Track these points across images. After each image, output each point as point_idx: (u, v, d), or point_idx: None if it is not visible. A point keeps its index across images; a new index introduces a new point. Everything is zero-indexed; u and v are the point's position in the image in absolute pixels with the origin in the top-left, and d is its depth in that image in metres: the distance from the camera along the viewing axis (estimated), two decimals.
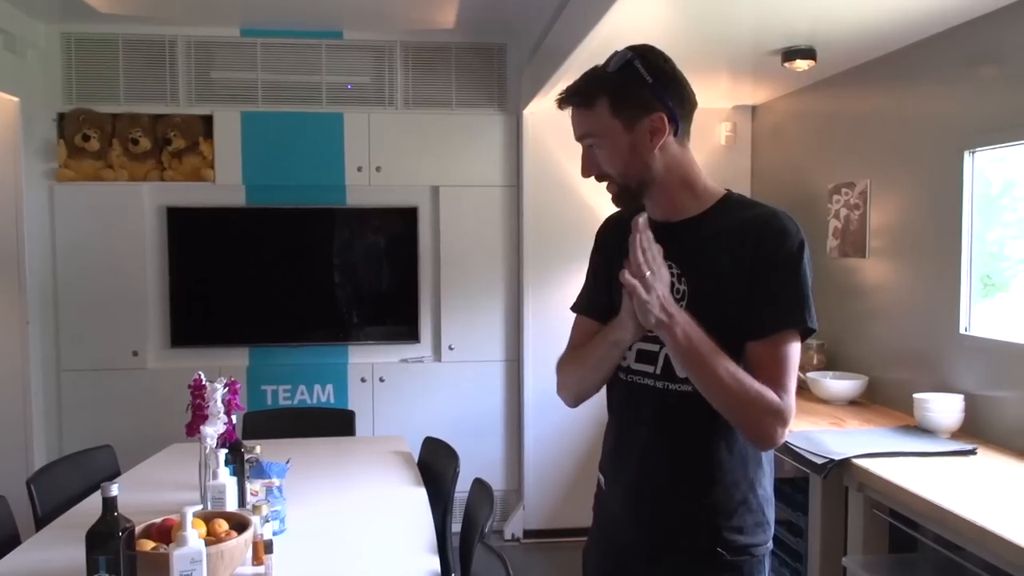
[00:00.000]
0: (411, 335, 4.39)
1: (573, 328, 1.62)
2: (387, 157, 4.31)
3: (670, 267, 1.39)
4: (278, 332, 4.32)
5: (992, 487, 2.25)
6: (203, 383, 2.27)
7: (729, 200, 1.46)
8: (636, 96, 1.39)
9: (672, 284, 1.39)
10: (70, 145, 4.08)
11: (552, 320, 4.26)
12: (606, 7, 2.54)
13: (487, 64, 4.39)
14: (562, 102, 1.45)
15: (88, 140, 4.06)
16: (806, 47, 3.13)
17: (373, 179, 4.31)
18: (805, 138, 3.95)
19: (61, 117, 4.10)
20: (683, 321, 1.31)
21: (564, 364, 1.57)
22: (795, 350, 1.36)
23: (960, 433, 2.71)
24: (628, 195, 1.45)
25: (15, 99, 3.84)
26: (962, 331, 2.81)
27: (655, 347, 1.44)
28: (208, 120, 4.21)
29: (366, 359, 4.38)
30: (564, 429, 4.34)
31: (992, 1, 2.59)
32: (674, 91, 1.41)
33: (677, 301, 1.38)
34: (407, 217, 4.36)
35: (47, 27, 4.06)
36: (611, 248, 1.57)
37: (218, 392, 2.25)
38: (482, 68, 4.38)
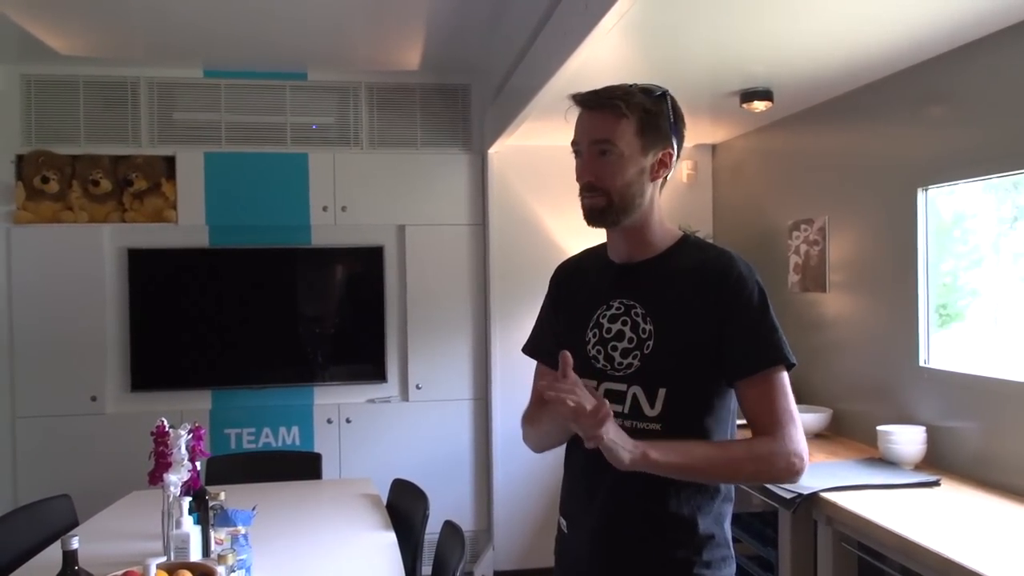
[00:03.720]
0: (378, 375, 4.36)
1: (534, 375, 1.63)
2: (352, 197, 4.31)
3: (632, 307, 1.46)
4: (242, 374, 4.26)
5: (956, 518, 2.29)
6: (166, 429, 2.22)
7: (686, 242, 1.52)
8: (660, 127, 1.44)
9: (637, 324, 1.44)
10: (29, 187, 4.02)
11: (520, 358, 4.19)
12: (571, 49, 2.59)
13: (451, 104, 4.43)
14: (590, 102, 1.45)
15: (47, 182, 4.01)
16: (763, 89, 3.22)
17: (339, 219, 4.30)
18: (765, 176, 4.04)
19: (20, 159, 4.04)
20: (656, 451, 1.31)
21: (526, 419, 1.60)
22: (784, 382, 1.40)
23: (923, 464, 2.76)
24: (610, 213, 1.45)
25: None
26: (921, 363, 2.87)
27: (622, 386, 1.45)
28: (171, 161, 4.17)
29: (332, 400, 4.33)
30: (533, 467, 4.31)
31: (940, 45, 2.69)
32: (680, 139, 1.48)
33: (643, 340, 1.43)
34: (373, 256, 4.35)
35: (5, 68, 4.02)
36: (562, 297, 1.62)
37: (182, 439, 2.21)
38: (447, 108, 4.42)
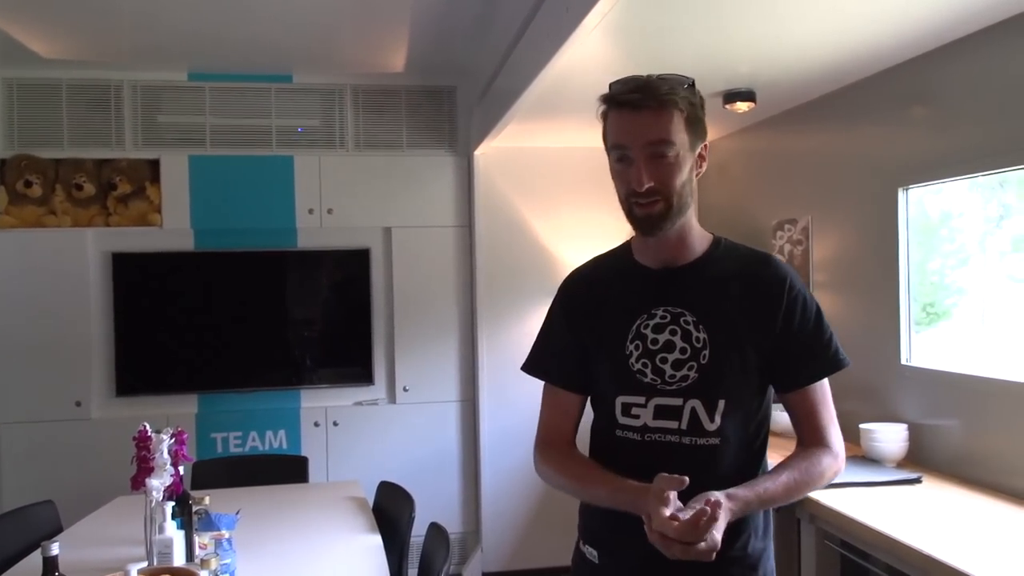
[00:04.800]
0: (365, 377, 4.35)
1: (544, 399, 1.52)
2: (338, 199, 4.31)
3: (681, 315, 1.38)
4: (228, 378, 4.24)
5: (938, 515, 2.30)
6: (148, 434, 2.21)
7: (721, 244, 1.45)
8: (701, 119, 1.37)
9: (689, 333, 1.37)
10: (11, 192, 4.00)
11: (507, 359, 4.26)
12: (554, 50, 2.59)
13: (437, 106, 4.43)
14: (641, 99, 1.31)
15: (30, 186, 3.98)
16: (746, 89, 3.24)
17: (325, 221, 4.29)
18: (749, 176, 4.06)
19: (2, 163, 4.01)
20: (739, 503, 1.24)
21: (548, 463, 1.48)
22: (827, 389, 1.41)
23: (905, 462, 2.78)
24: (668, 218, 1.35)
25: None
26: (903, 362, 2.89)
27: (677, 401, 1.37)
28: (155, 164, 4.16)
29: (319, 403, 4.32)
30: (521, 468, 4.31)
31: (920, 45, 2.72)
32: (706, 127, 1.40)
33: (697, 350, 1.36)
34: (359, 258, 4.34)
35: None
36: (579, 311, 1.49)
37: (164, 443, 2.20)
38: (432, 110, 4.42)
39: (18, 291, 4.01)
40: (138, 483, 2.22)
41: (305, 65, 4.18)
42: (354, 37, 3.71)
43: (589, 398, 1.52)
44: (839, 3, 2.33)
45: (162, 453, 2.20)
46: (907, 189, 2.89)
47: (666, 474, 1.23)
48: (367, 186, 4.34)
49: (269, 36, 3.64)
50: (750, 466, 1.40)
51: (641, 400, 1.38)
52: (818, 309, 1.40)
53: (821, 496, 2.45)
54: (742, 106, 3.28)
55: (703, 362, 1.36)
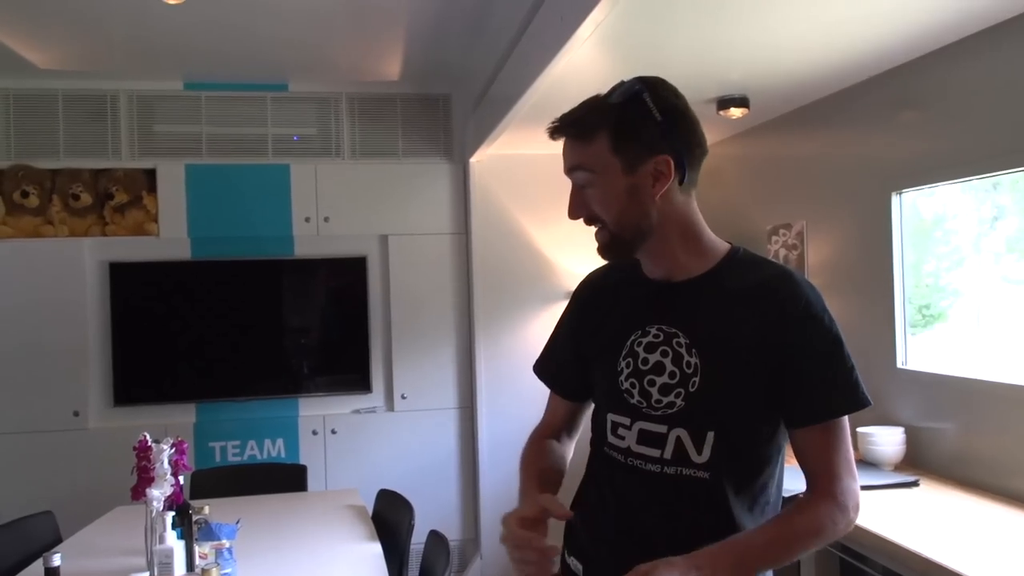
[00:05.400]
0: (363, 385, 4.35)
1: (549, 398, 1.52)
2: (335, 207, 4.32)
3: (674, 335, 1.25)
4: (226, 387, 4.24)
5: (936, 518, 2.31)
6: (148, 444, 2.22)
7: (736, 257, 1.29)
8: (642, 134, 1.21)
9: (680, 356, 1.24)
10: (8, 202, 4.00)
11: (504, 366, 4.27)
12: (548, 59, 2.61)
13: (432, 114, 4.45)
14: (555, 131, 1.26)
15: (27, 196, 3.99)
16: (739, 96, 3.26)
17: (321, 229, 4.30)
18: (743, 181, 4.08)
19: None
20: (712, 570, 1.10)
21: (530, 445, 1.48)
22: (846, 427, 1.23)
23: (902, 465, 2.79)
24: (619, 246, 1.26)
25: None
26: (899, 365, 2.90)
27: (662, 428, 1.25)
28: (151, 174, 4.16)
29: (317, 411, 4.32)
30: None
31: (911, 50, 2.74)
32: (684, 132, 1.24)
33: (687, 376, 1.23)
34: (356, 266, 4.35)
35: None
36: (588, 317, 1.41)
37: (164, 453, 2.21)
38: (428, 118, 4.44)
39: (15, 301, 4.01)
40: (139, 493, 2.22)
41: (301, 74, 4.20)
42: (349, 46, 3.73)
43: (587, 406, 1.48)
44: (829, 10, 2.35)
45: (162, 463, 2.21)
46: (900, 193, 2.91)
47: (557, 500, 1.22)
48: (363, 194, 4.35)
49: (264, 45, 3.65)
50: (753, 508, 1.25)
51: (627, 421, 1.29)
52: (839, 336, 1.22)
53: None
54: (736, 112, 3.30)
55: (691, 390, 1.22)
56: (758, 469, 1.26)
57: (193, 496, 3.22)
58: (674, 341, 1.25)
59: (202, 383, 4.22)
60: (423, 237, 4.41)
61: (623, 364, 1.29)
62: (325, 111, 4.35)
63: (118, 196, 4.10)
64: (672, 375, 1.24)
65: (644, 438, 1.26)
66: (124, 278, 4.12)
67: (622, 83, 1.25)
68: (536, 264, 4.34)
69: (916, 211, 2.92)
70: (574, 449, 1.52)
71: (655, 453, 1.25)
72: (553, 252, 4.34)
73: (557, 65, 2.63)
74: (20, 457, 4.00)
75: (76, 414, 4.06)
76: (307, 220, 4.29)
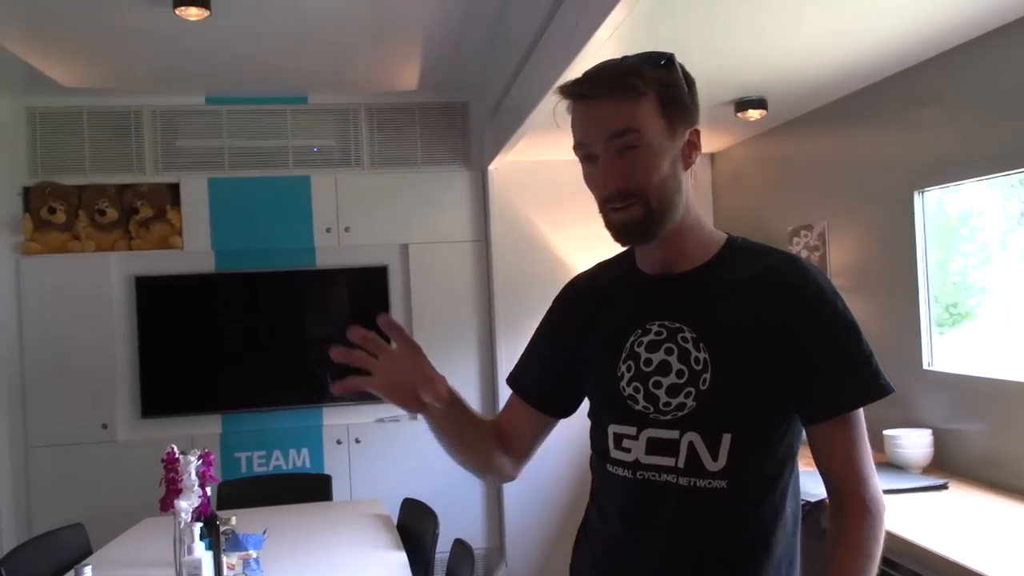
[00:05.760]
0: None
1: (509, 401, 1.41)
2: (355, 217, 4.35)
3: (678, 331, 1.15)
4: (251, 397, 4.28)
5: (965, 522, 2.28)
6: (176, 456, 2.25)
7: (735, 246, 1.22)
8: (682, 99, 1.15)
9: (688, 353, 1.14)
10: (36, 218, 4.07)
11: None
12: (565, 65, 2.62)
13: (451, 122, 4.47)
14: (596, 88, 1.11)
15: (54, 212, 4.05)
16: (757, 97, 3.24)
17: (342, 239, 4.33)
18: (764, 183, 4.06)
19: (27, 191, 4.09)
20: None
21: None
22: (863, 421, 1.15)
23: (931, 468, 2.76)
24: (652, 224, 1.13)
25: None
26: (925, 366, 2.87)
27: (673, 434, 1.14)
28: (175, 188, 4.22)
29: (341, 420, 4.35)
30: (545, 482, 4.32)
31: (931, 48, 2.71)
32: (697, 106, 1.19)
33: (697, 373, 1.13)
34: (377, 276, 4.37)
35: (11, 101, 4.07)
36: (576, 321, 1.30)
37: (192, 465, 2.23)
38: (446, 126, 4.46)
39: (44, 316, 4.08)
40: (167, 505, 2.25)
41: (320, 86, 4.24)
42: (367, 57, 3.76)
43: (550, 427, 1.38)
44: (846, 10, 2.34)
45: (190, 475, 2.23)
46: (923, 192, 2.88)
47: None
48: (383, 203, 4.37)
49: (284, 59, 3.70)
50: (769, 516, 1.16)
51: (632, 431, 1.18)
52: (854, 322, 1.15)
53: None
54: (754, 114, 3.29)
55: (703, 388, 1.12)
56: (777, 474, 1.17)
57: (220, 507, 3.25)
58: (679, 336, 1.15)
59: (227, 394, 4.27)
60: (443, 245, 4.43)
61: (623, 368, 1.19)
62: (344, 122, 4.39)
63: (143, 210, 4.16)
64: (680, 374, 1.14)
65: (654, 447, 1.16)
66: (149, 291, 4.18)
67: (648, 53, 1.16)
68: (556, 270, 4.34)
69: (941, 208, 2.89)
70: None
71: (668, 462, 1.15)
72: (573, 258, 4.33)
73: (574, 70, 2.63)
74: (51, 470, 4.06)
75: (105, 427, 4.11)
76: (328, 231, 4.32)
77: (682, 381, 1.14)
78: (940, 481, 2.59)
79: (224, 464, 4.16)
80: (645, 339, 1.18)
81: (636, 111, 1.10)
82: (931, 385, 2.85)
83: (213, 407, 4.25)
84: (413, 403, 1.18)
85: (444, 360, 4.66)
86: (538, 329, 1.39)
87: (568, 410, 1.36)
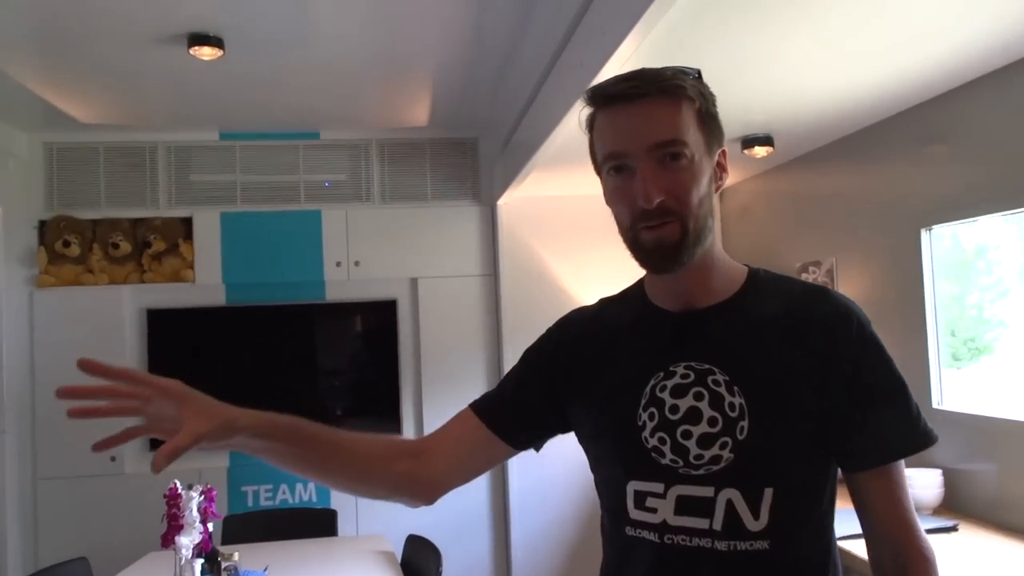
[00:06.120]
0: (393, 428, 4.36)
1: (456, 418, 1.25)
2: (365, 251, 4.38)
3: (708, 373, 1.03)
4: None
5: (976, 564, 2.24)
6: (179, 492, 2.25)
7: (759, 277, 1.11)
8: (715, 117, 1.05)
9: (720, 398, 1.01)
10: (51, 251, 4.12)
11: None
12: (569, 104, 2.65)
13: (461, 157, 4.51)
14: (641, 87, 1.00)
15: (69, 246, 4.11)
16: (763, 135, 3.26)
17: (352, 273, 4.36)
18: (772, 218, 4.06)
19: (42, 224, 4.15)
20: None
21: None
22: (903, 468, 1.07)
23: (941, 509, 2.71)
24: (686, 246, 1.01)
25: None
26: (935, 405, 2.84)
27: (707, 491, 1.01)
28: (188, 222, 4.27)
29: None
30: (553, 523, 4.28)
31: (937, 86, 2.72)
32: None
33: (732, 421, 1.00)
34: (387, 310, 4.39)
35: (29, 137, 4.15)
36: (579, 359, 1.16)
37: (194, 501, 2.23)
38: (456, 161, 4.50)
39: (56, 348, 4.11)
40: (168, 541, 2.25)
41: (332, 122, 4.29)
42: (379, 94, 3.81)
43: (503, 455, 1.23)
44: (851, 50, 2.36)
45: (191, 511, 2.23)
46: (930, 229, 2.87)
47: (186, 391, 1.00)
48: (393, 237, 4.41)
49: (297, 96, 3.76)
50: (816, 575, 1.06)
51: (659, 488, 1.03)
52: (894, 364, 1.04)
53: (853, 546, 2.40)
54: (760, 151, 3.30)
55: (740, 437, 1.00)
56: (822, 530, 1.06)
57: (225, 541, 3.24)
58: (709, 379, 1.02)
59: None
60: (452, 280, 4.44)
61: (644, 416, 1.05)
62: (356, 157, 4.44)
63: (156, 244, 4.21)
64: (713, 421, 1.01)
65: (685, 506, 1.02)
66: (161, 324, 4.21)
67: (678, 66, 1.06)
68: (564, 305, 4.28)
69: (957, 242, 2.87)
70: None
71: (702, 524, 1.01)
72: (581, 293, 4.34)
73: (578, 110, 2.65)
74: (59, 502, 4.07)
75: (113, 459, 4.12)
76: (338, 264, 4.35)
77: (716, 430, 1.01)
78: (950, 523, 2.55)
79: (231, 498, 4.15)
80: (669, 383, 1.04)
81: (681, 119, 1.00)
82: (941, 425, 2.80)
83: None
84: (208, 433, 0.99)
85: (451, 394, 4.71)
86: (520, 365, 1.24)
87: (534, 446, 1.22)
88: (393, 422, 4.35)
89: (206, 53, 2.93)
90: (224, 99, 3.77)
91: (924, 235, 2.88)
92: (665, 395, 1.05)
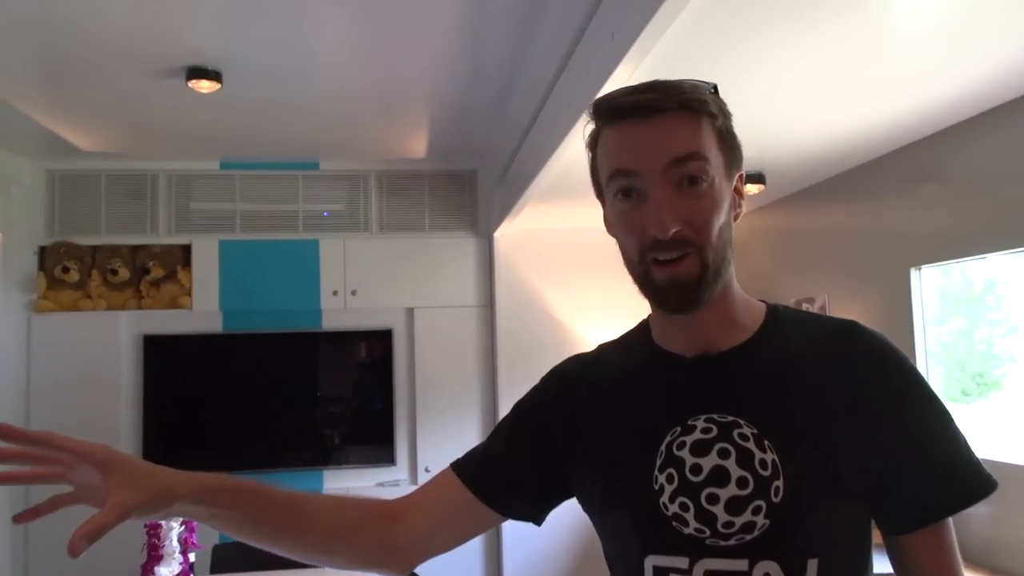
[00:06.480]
0: (387, 457, 4.35)
1: (436, 478, 1.08)
2: (362, 281, 4.40)
3: (734, 426, 0.88)
4: (253, 458, 4.27)
5: None
6: (158, 522, 2.24)
7: (780, 315, 0.97)
8: (734, 137, 0.93)
9: (750, 455, 0.86)
10: (50, 277, 4.16)
11: None
12: (559, 139, 2.67)
13: (458, 189, 4.54)
14: (657, 100, 0.86)
15: (68, 271, 4.14)
16: (754, 172, 3.28)
17: (349, 303, 4.38)
18: (768, 254, 4.07)
19: (42, 250, 4.19)
20: None
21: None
22: (952, 527, 0.91)
23: None
24: (706, 283, 0.88)
25: None
26: None
27: (741, 564, 0.86)
28: (187, 249, 4.30)
29: (341, 483, 4.33)
30: (546, 554, 4.24)
31: (926, 127, 2.74)
32: None
33: (765, 481, 0.85)
34: (382, 339, 4.40)
35: (32, 164, 4.21)
36: (580, 414, 1.00)
37: (174, 531, 2.23)
38: (453, 193, 4.53)
39: (53, 372, 4.13)
40: (147, 572, 2.24)
41: (331, 153, 4.34)
42: (377, 126, 3.86)
43: (487, 523, 1.06)
44: (843, 89, 2.38)
45: (171, 541, 2.23)
46: (919, 269, 2.87)
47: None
48: (390, 267, 4.43)
49: (297, 127, 3.80)
50: None
51: (683, 563, 0.88)
52: (943, 405, 0.90)
53: None
54: (752, 188, 3.32)
55: (776, 500, 0.85)
56: None
57: (215, 570, 3.21)
58: (735, 433, 0.87)
59: (229, 454, 4.27)
60: (448, 310, 4.46)
61: (662, 479, 0.90)
62: (355, 188, 4.47)
63: (154, 271, 4.24)
64: (743, 483, 0.86)
65: None
66: (157, 350, 4.23)
67: (688, 79, 0.92)
68: (560, 337, 4.35)
69: (966, 277, 2.87)
70: None
71: None
72: (577, 325, 4.34)
73: (570, 145, 2.68)
74: (51, 528, 4.02)
75: None
76: (335, 293, 4.37)
77: (747, 492, 0.85)
78: None
79: None
80: (688, 439, 0.89)
81: (702, 135, 0.87)
82: None
83: (216, 467, 4.20)
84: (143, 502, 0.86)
85: (446, 425, 4.68)
86: (511, 421, 1.08)
87: (533, 518, 1.05)
88: (387, 451, 4.34)
89: (204, 86, 2.97)
90: (224, 129, 3.82)
91: (914, 274, 2.88)
92: (684, 453, 0.89)
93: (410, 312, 4.44)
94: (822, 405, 0.87)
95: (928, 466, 0.86)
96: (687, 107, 0.86)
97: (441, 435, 4.40)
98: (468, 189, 4.54)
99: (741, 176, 0.94)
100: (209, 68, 2.93)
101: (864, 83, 2.34)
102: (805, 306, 3.59)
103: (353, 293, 4.38)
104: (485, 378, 4.45)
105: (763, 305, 0.98)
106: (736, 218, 0.92)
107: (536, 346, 4.33)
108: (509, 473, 1.02)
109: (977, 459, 0.88)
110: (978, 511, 2.57)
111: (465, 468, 1.04)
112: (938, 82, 2.34)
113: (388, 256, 4.43)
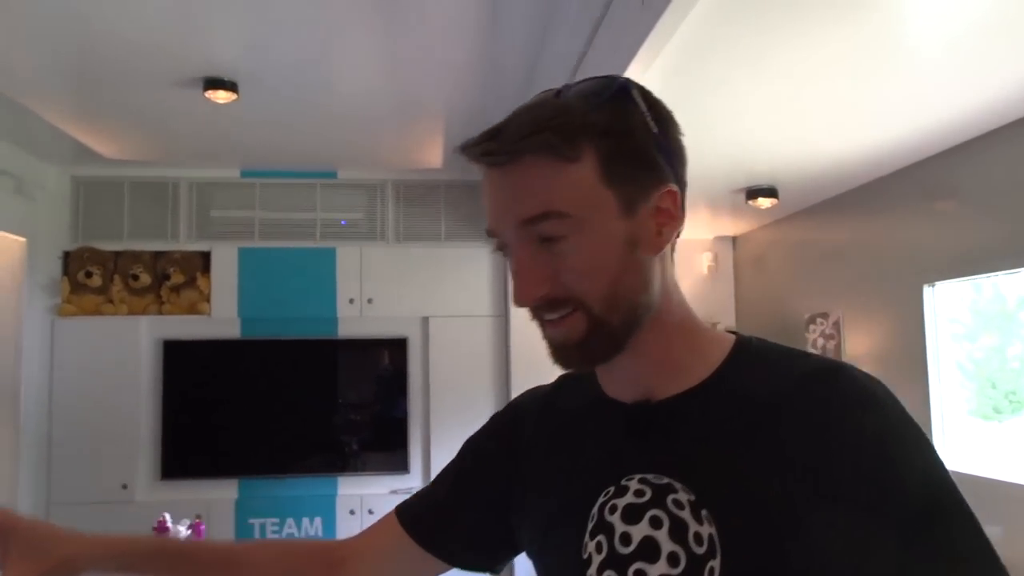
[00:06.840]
0: (401, 466, 4.38)
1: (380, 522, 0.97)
2: (378, 289, 4.43)
3: (668, 490, 0.73)
4: (268, 463, 4.33)
5: None
6: (167, 525, 2.28)
7: (748, 351, 0.79)
8: (641, 153, 0.75)
9: (684, 526, 0.71)
10: (73, 281, 4.24)
11: None
12: None
13: (475, 199, 4.55)
14: (496, 149, 0.73)
15: (90, 276, 4.22)
16: (768, 186, 3.26)
17: (365, 311, 4.42)
18: (784, 268, 4.04)
19: (66, 255, 4.28)
20: None
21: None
22: None
23: None
24: (602, 339, 0.75)
25: (22, 240, 4.02)
26: None
27: None
28: (206, 256, 4.37)
29: (355, 491, 4.36)
30: None
31: (941, 143, 2.71)
32: (680, 153, 0.78)
33: (698, 559, 0.70)
34: (397, 347, 4.43)
35: (57, 170, 4.30)
36: (534, 459, 0.87)
37: (181, 534, 2.26)
38: (470, 203, 4.56)
39: (75, 375, 4.21)
40: None
41: (349, 162, 4.39)
42: (394, 137, 3.90)
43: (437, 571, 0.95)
44: (857, 104, 2.37)
45: None
46: (933, 285, 2.84)
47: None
48: (406, 277, 4.46)
49: (316, 137, 3.85)
50: None
51: None
52: (948, 474, 0.71)
53: None
54: (764, 202, 3.31)
55: None
56: None
57: None
58: (669, 499, 0.73)
59: (246, 459, 4.32)
60: (463, 319, 4.48)
61: (591, 547, 0.76)
62: (372, 197, 4.52)
63: (175, 277, 4.31)
64: (673, 560, 0.71)
65: None
66: (176, 355, 4.29)
67: (591, 79, 0.78)
68: None
69: (998, 292, 2.83)
70: None
71: None
72: None
73: None
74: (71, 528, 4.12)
75: (124, 487, 4.18)
76: (351, 302, 4.41)
77: (677, 572, 0.71)
78: None
79: (238, 530, 4.18)
80: (621, 502, 0.75)
81: (559, 184, 0.72)
82: None
83: (231, 472, 4.30)
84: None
85: (460, 434, 4.66)
86: (458, 462, 0.96)
87: (485, 568, 0.94)
88: (401, 458, 4.37)
89: (221, 96, 3.03)
90: (243, 139, 3.88)
91: (927, 291, 2.85)
92: (615, 519, 0.75)
93: (425, 321, 4.47)
94: (782, 470, 0.69)
95: (931, 562, 0.66)
96: (544, 149, 0.72)
97: (455, 444, 4.29)
98: None
99: (669, 192, 0.75)
100: (225, 79, 2.99)
101: (879, 98, 2.33)
102: (820, 320, 3.56)
103: (369, 301, 4.42)
104: (499, 388, 4.46)
105: (732, 339, 0.80)
106: (660, 249, 0.76)
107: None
108: (452, 519, 0.91)
109: (995, 555, 0.67)
110: (987, 531, 2.53)
111: (406, 512, 0.93)
112: (952, 97, 2.32)
113: (404, 265, 4.47)
